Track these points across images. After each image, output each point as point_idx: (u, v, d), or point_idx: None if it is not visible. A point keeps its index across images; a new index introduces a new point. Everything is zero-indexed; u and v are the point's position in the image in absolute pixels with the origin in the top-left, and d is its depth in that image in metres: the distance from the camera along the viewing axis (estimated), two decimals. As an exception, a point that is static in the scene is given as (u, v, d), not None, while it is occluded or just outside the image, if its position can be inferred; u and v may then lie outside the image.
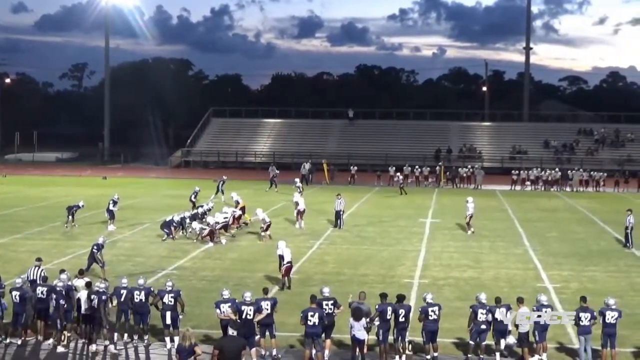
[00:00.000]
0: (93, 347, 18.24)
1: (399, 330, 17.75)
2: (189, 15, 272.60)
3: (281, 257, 24.46)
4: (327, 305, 17.91)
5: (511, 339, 17.94)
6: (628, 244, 32.72)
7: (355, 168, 64.28)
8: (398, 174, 58.56)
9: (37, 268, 20.44)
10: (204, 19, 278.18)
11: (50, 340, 18.54)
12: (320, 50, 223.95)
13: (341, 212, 37.78)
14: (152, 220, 37.14)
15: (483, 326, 17.71)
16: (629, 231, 32.79)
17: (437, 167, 65.03)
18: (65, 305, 18.27)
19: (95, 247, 25.51)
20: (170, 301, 18.35)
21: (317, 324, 17.23)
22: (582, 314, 17.49)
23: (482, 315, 17.71)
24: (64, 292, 18.43)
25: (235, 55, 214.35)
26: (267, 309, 17.79)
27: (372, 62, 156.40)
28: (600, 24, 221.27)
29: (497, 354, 17.88)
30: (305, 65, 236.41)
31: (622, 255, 31.05)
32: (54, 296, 18.31)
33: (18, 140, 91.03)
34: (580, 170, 62.98)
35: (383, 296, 18.10)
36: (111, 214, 36.13)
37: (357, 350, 17.21)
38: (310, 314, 17.26)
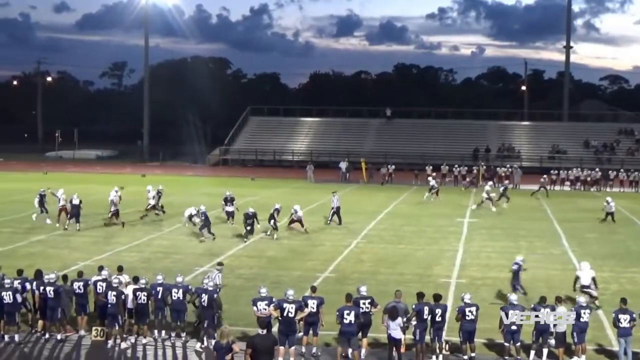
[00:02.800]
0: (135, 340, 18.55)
1: (436, 330, 17.73)
2: (228, 14, 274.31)
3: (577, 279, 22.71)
4: (364, 304, 17.91)
5: (553, 340, 17.83)
6: None
7: (393, 167, 64.14)
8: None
9: (218, 272, 20.65)
10: (243, 18, 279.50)
11: (85, 333, 18.87)
12: (359, 49, 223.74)
13: (337, 209, 38.17)
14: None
15: (514, 327, 17.61)
16: None
17: (476, 167, 64.68)
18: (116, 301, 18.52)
19: None
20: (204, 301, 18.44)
21: (352, 322, 17.25)
22: (621, 316, 17.32)
23: (513, 316, 17.63)
24: (119, 289, 18.75)
25: (273, 54, 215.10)
26: (313, 308, 17.88)
27: (410, 61, 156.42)
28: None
29: (532, 352, 17.80)
30: (343, 64, 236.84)
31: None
32: (114, 293, 18.47)
33: (59, 137, 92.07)
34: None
35: (420, 296, 18.06)
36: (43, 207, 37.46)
37: (394, 349, 17.22)
38: (346, 312, 17.28)
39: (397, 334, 17.08)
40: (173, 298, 18.71)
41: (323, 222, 38.09)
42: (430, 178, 52.05)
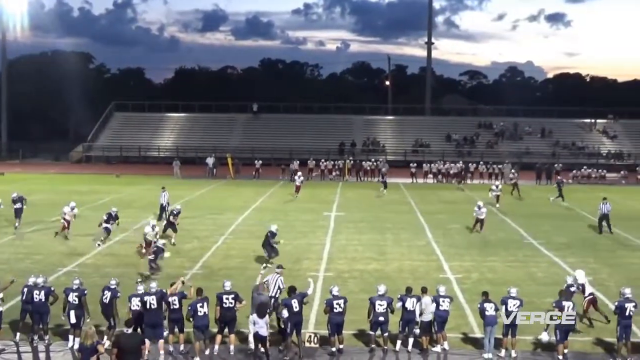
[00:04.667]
0: None
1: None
2: (90, 8, 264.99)
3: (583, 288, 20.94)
4: (227, 299, 17.93)
5: (418, 330, 18.28)
6: (605, 231, 35.51)
7: (260, 162, 64.20)
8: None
9: (279, 275, 19.88)
10: (106, 11, 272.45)
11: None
12: (225, 44, 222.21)
13: (165, 205, 37.88)
14: (52, 217, 36.23)
15: (381, 318, 17.99)
16: (606, 218, 35.58)
17: (342, 161, 65.61)
18: None
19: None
20: (75, 300, 17.98)
21: (206, 313, 17.63)
22: (486, 305, 17.89)
23: (379, 307, 18.00)
24: None
25: (138, 48, 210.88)
26: (176, 304, 17.87)
27: (276, 56, 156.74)
28: (499, 20, 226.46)
29: (399, 342, 18.20)
30: (209, 59, 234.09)
31: (520, 246, 31.90)
32: None
33: None
34: (509, 163, 64.50)
35: (292, 290, 18.22)
36: None
37: (261, 346, 17.28)
38: (199, 305, 17.58)
39: (263, 331, 17.13)
40: (35, 300, 18.13)
41: (191, 219, 37.64)
42: (298, 174, 51.75)
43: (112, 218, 31.47)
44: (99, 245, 29.73)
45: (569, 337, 17.82)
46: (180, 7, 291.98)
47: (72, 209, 32.74)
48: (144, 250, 26.90)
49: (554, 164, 66.32)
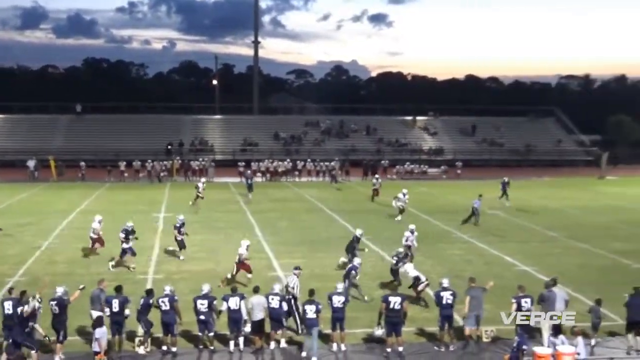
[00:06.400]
0: None
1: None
2: None
3: (417, 278, 22.36)
4: (51, 305, 17.89)
5: (248, 327, 18.36)
6: (473, 222, 37.48)
7: (85, 164, 62.46)
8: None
9: (294, 277, 20.43)
10: None
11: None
12: (45, 42, 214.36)
13: None
14: None
15: (202, 316, 18.22)
16: (476, 212, 37.69)
17: (169, 162, 64.94)
18: None
19: None
20: None
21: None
22: (307, 307, 18.11)
23: (201, 306, 18.26)
24: None
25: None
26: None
27: (100, 55, 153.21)
28: (324, 20, 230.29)
29: (232, 342, 18.23)
30: (29, 58, 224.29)
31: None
32: None
33: None
34: (338, 160, 65.79)
35: (117, 289, 18.57)
36: None
37: None
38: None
39: (94, 346, 16.82)
40: None
41: (12, 224, 36.17)
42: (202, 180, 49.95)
43: (129, 234, 28.26)
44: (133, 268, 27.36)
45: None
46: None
47: (100, 222, 29.95)
48: (229, 275, 24.99)
49: (379, 161, 68.29)
